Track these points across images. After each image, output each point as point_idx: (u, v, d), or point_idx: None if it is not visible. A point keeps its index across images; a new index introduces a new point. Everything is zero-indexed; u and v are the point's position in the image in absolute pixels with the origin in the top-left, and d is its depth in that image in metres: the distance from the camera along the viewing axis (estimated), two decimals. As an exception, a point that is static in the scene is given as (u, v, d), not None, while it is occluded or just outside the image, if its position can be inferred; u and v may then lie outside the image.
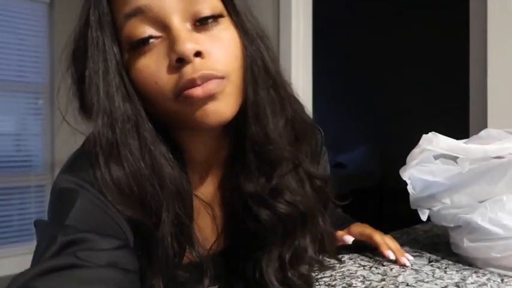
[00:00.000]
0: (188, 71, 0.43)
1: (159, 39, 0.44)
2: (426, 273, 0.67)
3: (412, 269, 0.69)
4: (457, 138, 0.74)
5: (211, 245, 0.52)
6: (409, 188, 0.76)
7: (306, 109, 0.57)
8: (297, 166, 0.52)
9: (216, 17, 0.46)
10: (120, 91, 0.45)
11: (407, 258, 0.70)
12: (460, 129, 1.29)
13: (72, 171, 0.44)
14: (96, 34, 0.46)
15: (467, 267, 0.70)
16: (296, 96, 0.54)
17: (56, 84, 3.14)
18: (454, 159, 0.72)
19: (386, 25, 4.29)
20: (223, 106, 0.45)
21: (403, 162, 0.78)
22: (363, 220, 0.84)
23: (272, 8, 2.00)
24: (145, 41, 0.44)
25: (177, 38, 0.43)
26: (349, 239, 0.72)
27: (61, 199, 0.43)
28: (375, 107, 4.46)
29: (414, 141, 0.77)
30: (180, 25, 0.44)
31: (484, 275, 0.66)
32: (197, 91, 0.43)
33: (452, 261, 0.73)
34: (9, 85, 2.96)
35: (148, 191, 0.43)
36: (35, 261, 0.38)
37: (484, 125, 1.43)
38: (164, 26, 0.44)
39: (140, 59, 0.45)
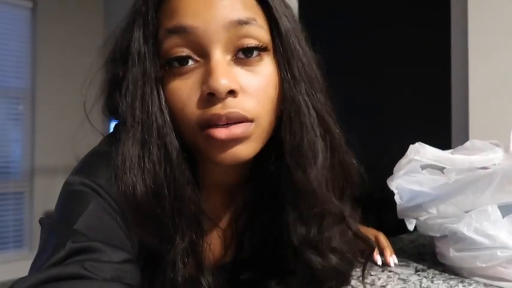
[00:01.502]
0: (217, 107, 0.41)
1: (197, 64, 0.43)
2: (413, 282, 0.68)
3: (400, 278, 0.70)
4: (440, 148, 0.76)
5: (216, 260, 0.52)
6: (396, 197, 0.77)
7: (354, 158, 0.54)
8: (342, 220, 0.51)
9: (259, 50, 0.43)
10: (155, 105, 0.43)
11: (393, 259, 0.74)
12: (442, 140, 1.31)
13: (88, 174, 0.42)
14: (139, 44, 0.44)
15: (453, 276, 0.71)
16: (344, 144, 0.52)
17: (38, 89, 3.10)
18: (441, 169, 0.73)
19: (366, 34, 4.36)
20: (245, 149, 0.43)
21: (386, 172, 0.79)
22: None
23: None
24: (182, 62, 0.42)
25: (213, 71, 0.41)
26: None
27: (73, 201, 0.41)
28: (358, 117, 4.52)
29: (397, 151, 0.78)
30: (220, 56, 0.42)
31: (470, 284, 0.67)
32: (221, 133, 0.41)
33: (438, 270, 0.74)
34: (-11, 90, 2.90)
35: (167, 211, 0.42)
36: (40, 262, 0.37)
37: (466, 137, 1.46)
38: (204, 53, 0.42)
39: (174, 79, 0.43)
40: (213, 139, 0.42)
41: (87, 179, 0.42)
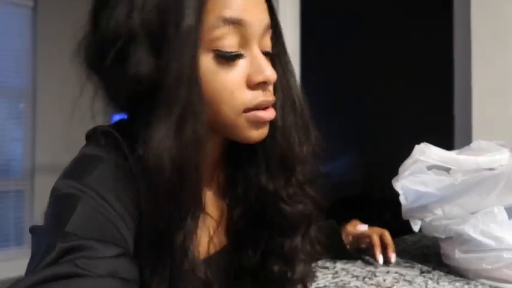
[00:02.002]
0: (268, 93, 0.48)
1: (242, 56, 0.47)
2: (419, 284, 0.67)
3: (405, 280, 0.69)
4: (442, 149, 0.75)
5: (208, 247, 0.52)
6: (401, 198, 0.76)
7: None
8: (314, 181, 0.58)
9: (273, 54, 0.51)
10: (194, 83, 0.43)
11: (393, 257, 0.78)
12: (444, 140, 1.31)
13: (75, 176, 0.42)
14: (190, 23, 0.42)
15: (458, 278, 0.70)
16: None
17: (38, 88, 3.10)
18: (447, 170, 0.73)
19: (372, 37, 4.35)
20: (267, 131, 0.50)
21: (386, 172, 0.79)
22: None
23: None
24: (232, 54, 0.45)
25: (262, 63, 0.47)
26: (364, 227, 0.82)
27: (61, 205, 0.41)
28: (359, 117, 4.51)
29: (398, 152, 0.78)
30: (258, 51, 0.48)
31: (476, 286, 0.66)
32: (268, 114, 0.48)
33: (443, 272, 0.73)
34: (-10, 88, 2.89)
35: (187, 190, 0.43)
36: (32, 267, 0.36)
37: (469, 137, 1.45)
38: (248, 47, 0.47)
39: (224, 68, 0.45)
40: (259, 119, 0.48)
41: (74, 182, 0.42)
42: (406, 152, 0.78)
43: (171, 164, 0.41)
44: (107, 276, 0.35)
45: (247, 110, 0.47)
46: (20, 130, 3.01)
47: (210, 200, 0.54)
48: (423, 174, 0.75)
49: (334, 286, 0.66)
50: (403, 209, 0.77)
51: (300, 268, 0.55)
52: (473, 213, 0.69)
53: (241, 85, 0.46)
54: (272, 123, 0.51)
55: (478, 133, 1.43)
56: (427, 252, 0.86)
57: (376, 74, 4.37)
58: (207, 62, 0.45)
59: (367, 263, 0.79)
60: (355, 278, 0.70)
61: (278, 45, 0.53)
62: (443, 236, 0.72)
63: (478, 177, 0.69)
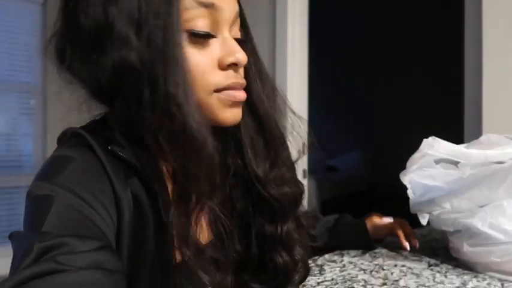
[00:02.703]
0: (239, 75, 0.50)
1: (215, 39, 0.48)
2: (427, 277, 0.67)
3: (413, 273, 0.69)
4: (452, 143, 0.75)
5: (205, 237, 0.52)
6: (409, 192, 0.76)
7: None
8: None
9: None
10: (178, 61, 0.46)
11: (417, 242, 0.80)
12: (454, 135, 1.30)
13: (47, 178, 0.43)
14: (174, 8, 0.44)
15: (467, 271, 0.70)
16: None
17: (49, 84, 3.12)
18: (455, 163, 0.72)
19: (379, 33, 4.32)
20: (240, 112, 0.51)
21: (394, 167, 0.79)
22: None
23: (268, 17, 2.01)
24: (206, 35, 0.47)
25: (233, 46, 0.49)
26: (389, 219, 0.84)
27: (36, 207, 0.41)
28: (367, 111, 4.48)
29: (406, 146, 0.77)
30: (230, 35, 0.50)
31: (484, 279, 0.66)
32: (240, 94, 0.50)
33: (452, 265, 0.73)
34: (1, 84, 2.92)
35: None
36: (12, 272, 0.36)
37: (479, 131, 1.44)
38: (219, 30, 0.49)
39: (196, 49, 0.47)
40: (232, 99, 0.49)
41: (47, 183, 0.42)
42: (415, 146, 0.78)
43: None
44: (88, 268, 0.35)
45: (218, 90, 0.48)
46: (31, 126, 3.04)
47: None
48: (431, 168, 0.75)
49: (341, 279, 0.66)
50: (411, 202, 0.77)
51: (298, 251, 0.56)
52: (481, 206, 0.69)
53: (213, 66, 0.48)
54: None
55: (488, 127, 1.42)
56: (435, 245, 0.86)
57: (386, 68, 4.34)
58: (184, 43, 0.46)
59: (375, 256, 0.79)
60: (362, 272, 0.70)
61: (246, 35, 0.55)
62: (451, 230, 0.72)
63: (487, 171, 0.68)
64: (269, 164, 0.55)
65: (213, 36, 0.48)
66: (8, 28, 2.94)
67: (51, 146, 3.01)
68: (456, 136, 1.19)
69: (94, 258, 0.36)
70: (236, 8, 0.50)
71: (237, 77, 0.50)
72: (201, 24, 0.47)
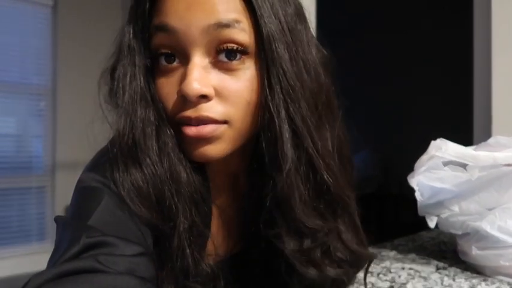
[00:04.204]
0: (188, 109, 0.43)
1: (179, 64, 0.44)
2: (435, 280, 0.67)
3: (421, 276, 0.69)
4: (461, 145, 0.74)
5: (224, 251, 0.52)
6: (417, 194, 0.76)
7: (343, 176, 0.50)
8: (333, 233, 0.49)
9: (239, 53, 0.43)
10: (144, 96, 0.45)
11: None
12: (463, 136, 1.29)
13: (99, 170, 0.43)
14: (129, 37, 0.45)
15: (475, 275, 0.69)
16: (329, 159, 0.47)
17: (59, 86, 3.15)
18: (463, 166, 0.72)
19: (388, 32, 4.30)
20: (213, 149, 0.44)
21: (403, 169, 0.78)
22: (364, 226, 0.84)
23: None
24: (168, 60, 0.44)
25: (188, 75, 0.41)
26: None
27: (86, 198, 0.42)
28: (376, 113, 4.46)
29: (415, 148, 0.77)
30: (199, 60, 0.42)
31: (493, 283, 0.66)
32: (190, 131, 0.43)
33: (460, 269, 0.73)
34: (12, 87, 2.96)
35: (166, 195, 0.43)
36: (55, 258, 0.37)
37: (489, 132, 1.43)
38: (185, 55, 0.43)
39: (160, 75, 0.45)
40: (184, 136, 0.43)
41: (99, 176, 0.43)
42: (424, 148, 0.77)
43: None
44: (125, 274, 0.36)
45: (178, 123, 0.44)
46: (41, 127, 3.07)
47: (229, 204, 0.53)
48: (439, 170, 0.74)
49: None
50: (419, 205, 0.76)
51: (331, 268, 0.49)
52: (490, 209, 0.69)
53: (171, 96, 0.44)
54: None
55: (497, 129, 1.41)
56: (443, 248, 0.86)
57: (396, 68, 4.32)
58: (155, 71, 0.45)
59: (382, 259, 0.79)
60: (369, 274, 0.69)
61: (260, 45, 0.43)
62: (460, 233, 0.72)
63: (496, 173, 0.68)
64: (296, 242, 0.46)
65: (172, 62, 0.43)
66: (19, 31, 2.97)
67: (61, 148, 3.04)
68: (465, 138, 1.18)
69: (133, 264, 0.37)
70: (211, 20, 0.41)
71: (193, 111, 0.42)
72: (163, 50, 0.43)
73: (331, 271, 0.47)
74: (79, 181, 0.44)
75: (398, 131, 4.31)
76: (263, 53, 0.43)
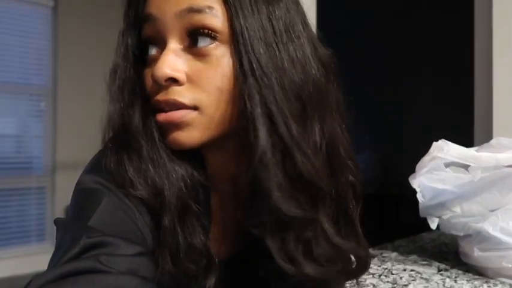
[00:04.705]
0: (159, 94, 0.44)
1: (161, 51, 0.44)
2: (436, 282, 0.66)
3: (422, 278, 0.68)
4: (461, 146, 0.74)
5: (224, 252, 0.51)
6: (419, 195, 0.75)
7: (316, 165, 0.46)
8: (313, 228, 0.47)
9: (212, 39, 0.43)
10: (133, 86, 0.46)
11: None
12: (464, 137, 1.29)
13: (98, 171, 0.44)
14: (123, 29, 0.47)
15: (477, 276, 0.69)
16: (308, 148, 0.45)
17: (59, 87, 3.16)
18: (465, 167, 0.71)
19: (389, 33, 4.30)
20: (185, 136, 0.44)
21: (404, 169, 0.78)
22: (365, 227, 0.84)
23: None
24: (151, 50, 0.45)
25: (159, 60, 0.43)
26: None
27: (85, 199, 0.42)
28: (377, 114, 4.46)
29: (415, 148, 0.76)
30: (173, 45, 0.43)
31: (496, 285, 0.65)
32: (160, 117, 0.44)
33: (462, 270, 0.72)
34: (12, 87, 2.96)
35: (158, 186, 0.43)
36: (56, 259, 0.37)
37: (489, 133, 1.42)
38: (164, 42, 0.44)
39: (148, 64, 0.46)
40: (158, 123, 0.44)
41: (98, 177, 0.43)
42: (424, 148, 0.77)
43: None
44: (127, 274, 0.36)
45: (154, 110, 0.45)
46: (41, 128, 3.07)
47: (233, 206, 0.52)
48: (441, 172, 0.74)
49: (349, 283, 0.66)
50: (421, 206, 0.76)
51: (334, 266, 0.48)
52: (492, 210, 0.68)
53: (151, 85, 0.45)
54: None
55: (498, 130, 1.40)
56: (445, 250, 0.85)
57: (397, 68, 4.32)
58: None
59: (383, 260, 0.78)
60: (371, 276, 0.69)
61: (234, 33, 0.43)
62: (461, 234, 0.71)
63: (498, 174, 0.68)
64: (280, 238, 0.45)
65: (152, 50, 0.45)
66: (19, 32, 2.98)
67: (61, 148, 3.04)
68: (466, 139, 1.18)
69: (134, 264, 0.37)
70: (183, 6, 0.43)
71: (164, 94, 0.43)
72: (147, 39, 0.46)
73: (310, 268, 0.45)
74: (78, 183, 0.44)
75: (399, 131, 4.31)
76: (236, 40, 0.43)
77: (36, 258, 2.76)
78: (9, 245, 2.97)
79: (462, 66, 2.38)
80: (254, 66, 0.43)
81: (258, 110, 0.43)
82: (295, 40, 0.46)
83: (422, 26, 4.07)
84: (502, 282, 0.66)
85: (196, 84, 0.43)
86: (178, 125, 0.44)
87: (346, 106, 0.55)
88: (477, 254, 0.69)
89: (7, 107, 2.95)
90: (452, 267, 0.74)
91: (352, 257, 0.51)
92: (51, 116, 3.05)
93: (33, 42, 3.03)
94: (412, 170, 0.77)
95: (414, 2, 4.03)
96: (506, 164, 0.67)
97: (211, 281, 0.45)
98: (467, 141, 1.00)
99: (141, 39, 0.47)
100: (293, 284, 0.47)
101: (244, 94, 0.43)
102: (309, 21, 0.51)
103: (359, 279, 0.64)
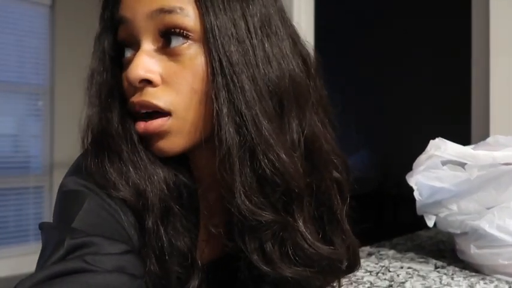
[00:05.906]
0: (134, 96, 0.44)
1: (135, 53, 0.45)
2: (433, 279, 0.67)
3: (419, 275, 0.69)
4: (459, 144, 0.74)
5: (210, 255, 0.51)
6: (416, 193, 0.76)
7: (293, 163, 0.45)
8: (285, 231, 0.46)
9: (184, 38, 0.43)
10: (110, 90, 0.47)
11: None
12: (461, 136, 1.29)
13: (80, 173, 0.43)
14: (99, 33, 0.48)
15: (474, 274, 0.69)
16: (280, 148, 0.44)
17: (57, 85, 3.15)
18: (462, 165, 0.72)
19: (386, 32, 4.31)
20: (167, 144, 0.44)
21: (402, 169, 0.78)
22: (363, 226, 0.84)
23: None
24: (126, 53, 0.46)
25: (133, 61, 0.43)
26: None
27: (68, 201, 0.42)
28: (375, 112, 4.47)
29: (414, 148, 0.77)
30: (146, 46, 0.44)
31: (492, 282, 0.66)
32: (139, 127, 0.44)
33: (458, 267, 0.73)
34: (9, 86, 2.96)
35: (140, 187, 0.43)
36: (41, 263, 0.37)
37: (486, 132, 1.43)
38: (138, 43, 0.45)
39: (125, 67, 0.46)
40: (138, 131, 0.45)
41: (80, 179, 0.43)
42: (423, 148, 0.77)
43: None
44: (114, 272, 0.36)
45: (132, 111, 0.45)
46: (39, 127, 3.06)
47: (216, 210, 0.50)
48: (438, 170, 0.74)
49: (347, 281, 0.66)
50: (418, 204, 0.76)
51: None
52: (489, 208, 0.68)
53: (128, 89, 0.45)
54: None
55: (495, 128, 1.41)
56: (442, 247, 0.86)
57: (394, 67, 4.33)
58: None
59: (381, 258, 0.79)
60: (368, 273, 0.70)
61: (206, 33, 0.43)
62: (458, 231, 0.72)
63: (494, 172, 0.68)
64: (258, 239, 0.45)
65: (128, 52, 0.46)
66: (17, 30, 2.97)
67: (59, 147, 3.03)
68: (463, 137, 1.18)
69: (120, 262, 0.37)
70: (154, 6, 0.43)
71: (137, 96, 0.43)
72: (123, 42, 0.46)
73: (287, 269, 0.45)
74: (61, 186, 0.43)
75: (397, 131, 4.31)
76: (207, 38, 0.43)
77: (35, 258, 2.73)
78: (7, 244, 2.97)
79: (461, 65, 2.39)
80: (224, 64, 0.43)
81: (225, 110, 0.42)
82: (272, 36, 0.46)
83: (422, 25, 4.07)
84: (498, 279, 0.66)
85: (171, 85, 0.43)
86: (158, 134, 0.44)
87: (332, 102, 0.55)
88: (474, 252, 0.69)
89: (4, 106, 2.94)
90: (449, 264, 0.75)
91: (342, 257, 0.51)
92: (49, 115, 3.04)
93: (31, 41, 3.02)
94: (410, 169, 0.78)
95: (414, 3, 4.04)
96: (502, 162, 0.67)
97: (194, 283, 0.45)
98: (465, 139, 1.01)
99: (118, 42, 0.47)
100: (272, 285, 0.47)
101: (212, 94, 0.43)
102: (288, 17, 0.50)
103: (354, 278, 0.64)
